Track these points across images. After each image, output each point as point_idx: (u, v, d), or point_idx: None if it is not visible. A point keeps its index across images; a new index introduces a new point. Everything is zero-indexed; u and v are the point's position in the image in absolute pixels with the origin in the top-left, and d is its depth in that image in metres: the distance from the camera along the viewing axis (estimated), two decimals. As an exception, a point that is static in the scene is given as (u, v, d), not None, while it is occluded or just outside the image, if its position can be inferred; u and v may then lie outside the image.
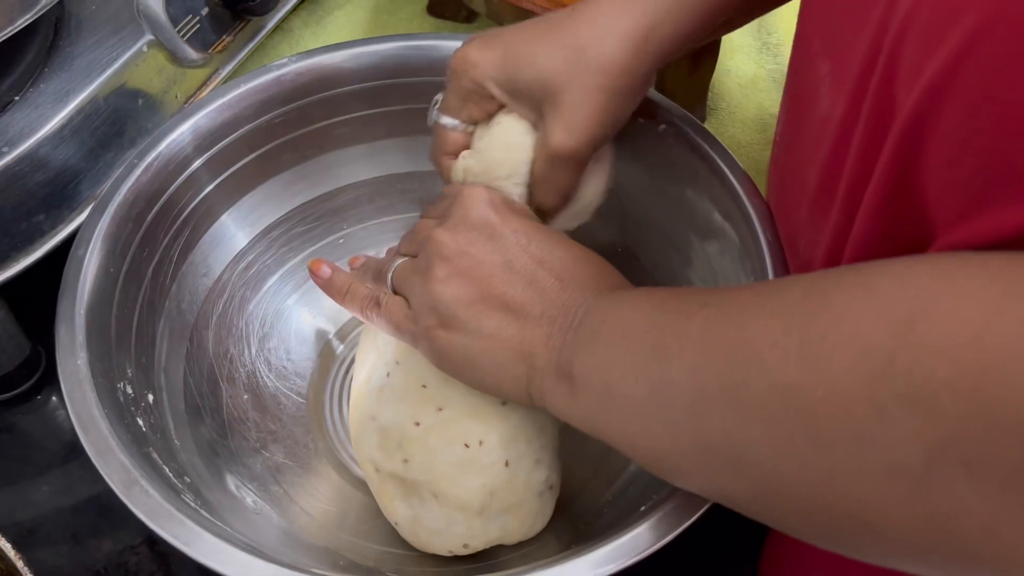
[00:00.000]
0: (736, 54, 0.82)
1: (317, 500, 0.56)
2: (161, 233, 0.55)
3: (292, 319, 0.63)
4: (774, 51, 0.82)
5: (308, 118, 0.61)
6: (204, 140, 0.57)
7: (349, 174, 0.64)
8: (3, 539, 0.44)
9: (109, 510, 0.58)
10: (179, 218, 0.56)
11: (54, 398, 0.64)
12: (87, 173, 0.60)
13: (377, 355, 0.54)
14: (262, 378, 0.60)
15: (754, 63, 0.81)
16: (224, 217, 0.60)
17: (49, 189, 0.58)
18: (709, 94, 0.77)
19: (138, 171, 0.53)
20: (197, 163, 0.57)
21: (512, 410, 0.51)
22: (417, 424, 0.50)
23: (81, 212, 0.60)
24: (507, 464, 0.50)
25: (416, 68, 0.61)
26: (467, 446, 0.49)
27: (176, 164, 0.56)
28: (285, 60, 0.59)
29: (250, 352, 0.60)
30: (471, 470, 0.49)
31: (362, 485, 0.56)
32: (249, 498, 0.53)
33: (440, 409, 0.50)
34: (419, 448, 0.50)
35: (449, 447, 0.49)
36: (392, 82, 0.61)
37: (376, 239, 0.66)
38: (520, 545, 0.52)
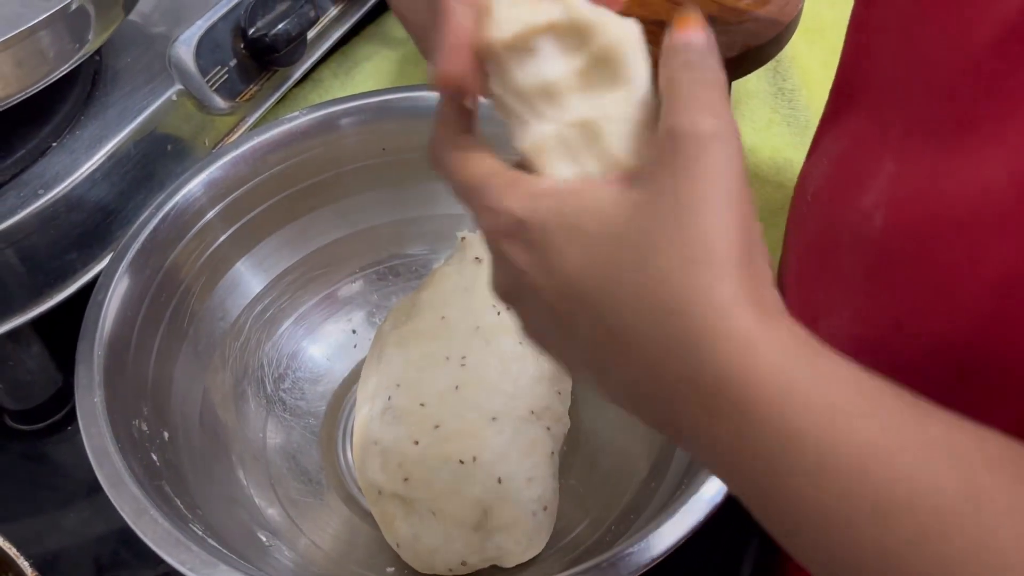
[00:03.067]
0: (751, 99, 0.83)
1: (327, 533, 0.58)
2: (178, 280, 0.58)
3: (306, 360, 0.65)
4: (789, 96, 0.83)
5: (319, 168, 0.63)
6: (218, 191, 0.59)
7: (361, 220, 0.66)
8: (23, 559, 0.46)
9: (131, 541, 0.59)
10: (195, 265, 0.59)
11: (83, 431, 0.67)
12: (118, 214, 0.63)
13: (379, 380, 0.57)
14: (276, 417, 0.62)
15: (769, 108, 0.83)
16: (239, 264, 0.62)
17: (82, 229, 0.61)
18: (723, 139, 0.78)
19: (155, 221, 0.56)
20: (211, 214, 0.59)
21: (504, 426, 0.53)
22: (416, 443, 0.53)
23: (112, 251, 0.63)
24: (500, 481, 0.52)
25: (423, 114, 0.62)
26: (462, 462, 0.52)
27: (191, 214, 0.59)
28: (296, 113, 0.62)
29: (265, 392, 0.63)
30: (466, 486, 0.52)
31: (369, 517, 0.58)
32: (261, 531, 0.55)
33: (437, 427, 0.53)
34: (418, 466, 0.52)
35: (445, 464, 0.52)
36: (399, 130, 0.63)
37: (388, 284, 0.68)
38: (518, 569, 0.54)
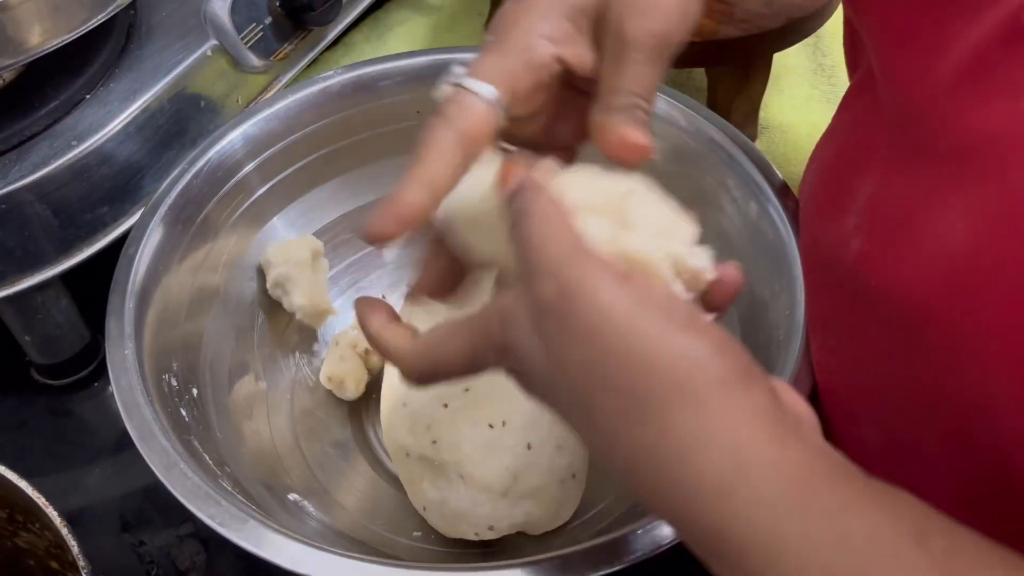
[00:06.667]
0: (790, 74, 0.82)
1: (352, 494, 0.58)
2: (210, 236, 0.57)
3: (336, 322, 0.64)
4: (828, 72, 0.82)
5: (353, 128, 0.62)
6: (254, 147, 0.59)
7: (393, 185, 0.65)
8: (51, 509, 0.46)
9: (156, 497, 0.60)
10: (228, 222, 0.59)
11: (111, 386, 0.66)
12: (149, 169, 0.62)
13: None
14: (305, 378, 0.62)
15: (808, 84, 0.81)
16: (273, 222, 0.62)
17: (113, 183, 0.61)
18: (761, 113, 0.77)
19: (189, 175, 0.56)
20: (247, 169, 0.59)
21: None
22: (445, 406, 0.52)
23: (142, 206, 0.62)
24: (529, 447, 0.51)
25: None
26: (491, 426, 0.51)
27: (226, 170, 0.58)
28: (331, 72, 0.61)
29: (294, 353, 0.62)
30: (495, 451, 0.51)
31: (395, 480, 0.58)
32: (287, 491, 0.55)
33: (466, 390, 0.52)
34: (447, 429, 0.52)
35: (475, 428, 0.51)
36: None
37: (418, 250, 0.67)
38: (545, 537, 0.54)
